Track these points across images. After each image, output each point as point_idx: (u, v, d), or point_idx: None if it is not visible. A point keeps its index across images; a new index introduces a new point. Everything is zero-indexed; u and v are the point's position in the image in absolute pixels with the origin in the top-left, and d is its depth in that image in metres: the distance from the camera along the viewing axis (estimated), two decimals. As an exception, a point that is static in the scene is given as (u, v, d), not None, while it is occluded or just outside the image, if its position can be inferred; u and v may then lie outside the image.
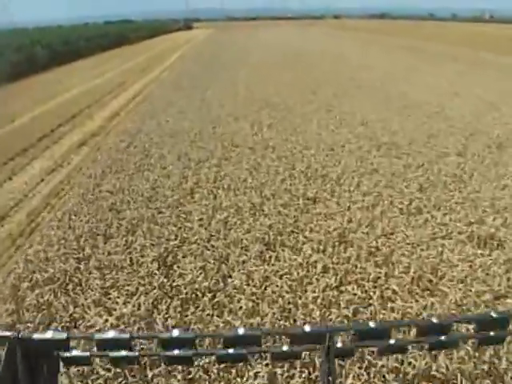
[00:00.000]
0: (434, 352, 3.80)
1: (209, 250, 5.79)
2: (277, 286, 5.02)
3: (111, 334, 1.38)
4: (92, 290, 5.14)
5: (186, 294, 4.98)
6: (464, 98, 14.64)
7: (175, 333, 1.38)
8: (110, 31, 52.02)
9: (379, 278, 5.12)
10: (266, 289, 4.99)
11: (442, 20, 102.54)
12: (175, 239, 6.10)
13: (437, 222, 6.31)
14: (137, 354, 1.36)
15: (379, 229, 6.10)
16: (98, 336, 1.36)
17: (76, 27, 65.88)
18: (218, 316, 4.60)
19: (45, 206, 8.10)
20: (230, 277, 5.26)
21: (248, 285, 5.08)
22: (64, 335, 1.34)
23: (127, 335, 1.36)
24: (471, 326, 1.42)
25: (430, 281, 5.06)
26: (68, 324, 4.65)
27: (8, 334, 1.24)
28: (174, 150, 9.70)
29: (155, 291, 5.03)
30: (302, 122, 11.62)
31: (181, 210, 7.01)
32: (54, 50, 32.90)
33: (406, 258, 5.44)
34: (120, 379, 3.90)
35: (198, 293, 4.99)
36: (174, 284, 5.17)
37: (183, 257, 5.70)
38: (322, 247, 5.76)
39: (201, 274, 5.28)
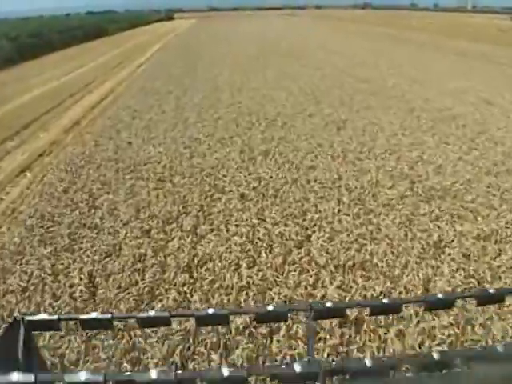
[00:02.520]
0: None
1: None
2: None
3: (93, 314, 1.45)
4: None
5: None
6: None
7: (151, 313, 1.47)
8: (87, 22, 47.92)
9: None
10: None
11: (425, 10, 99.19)
12: None
13: None
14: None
15: None
16: (81, 317, 1.43)
17: (57, 18, 61.63)
18: None
19: None
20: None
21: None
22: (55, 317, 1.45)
23: (108, 315, 1.44)
24: None
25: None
26: None
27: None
28: (129, 205, 6.37)
29: None
30: (308, 149, 8.36)
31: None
32: (22, 44, 29.10)
33: None
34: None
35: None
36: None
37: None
38: None
39: None
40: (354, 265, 4.74)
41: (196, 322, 1.50)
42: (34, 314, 1.35)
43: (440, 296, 1.49)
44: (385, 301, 1.50)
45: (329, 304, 1.49)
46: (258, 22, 60.41)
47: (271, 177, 7.06)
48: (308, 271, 4.66)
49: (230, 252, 5.06)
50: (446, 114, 10.65)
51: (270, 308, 1.46)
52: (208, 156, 8.15)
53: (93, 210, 6.26)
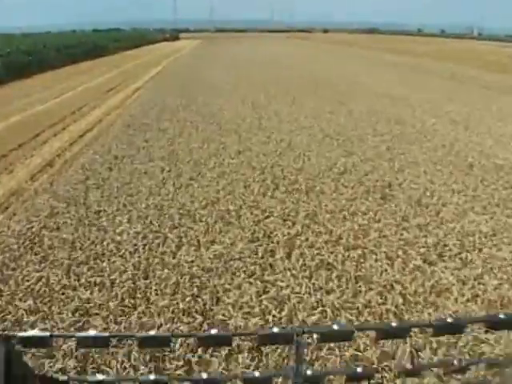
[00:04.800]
0: None
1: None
2: None
3: (92, 333, 1.49)
4: None
5: None
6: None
7: (152, 333, 1.78)
8: (87, 40, 45.58)
9: None
10: None
11: (431, 36, 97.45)
12: None
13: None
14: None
15: None
16: (78, 335, 1.49)
17: (63, 34, 59.27)
18: None
19: None
20: None
21: None
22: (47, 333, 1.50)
23: (106, 334, 1.49)
24: None
25: None
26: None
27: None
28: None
29: None
30: (350, 244, 5.69)
31: None
32: (13, 61, 26.64)
33: None
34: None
35: None
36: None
37: None
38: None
39: None
40: None
41: (198, 343, 1.70)
42: (25, 331, 1.36)
43: (449, 320, 1.51)
44: (393, 324, 1.55)
45: (335, 327, 1.53)
46: (266, 46, 58.21)
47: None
48: None
49: None
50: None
51: (276, 330, 1.52)
52: (203, 248, 5.49)
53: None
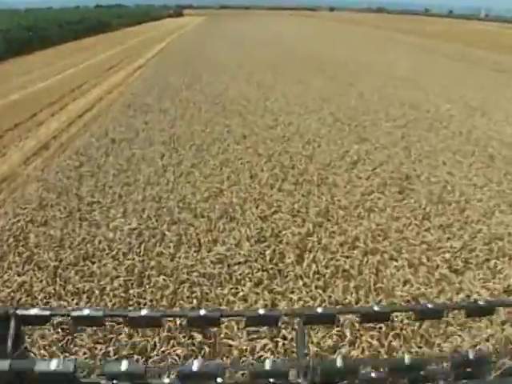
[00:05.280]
0: None
1: None
2: None
3: (85, 311, 1.44)
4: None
5: None
6: None
7: (143, 312, 1.44)
8: (90, 16, 44.42)
9: None
10: None
11: (439, 16, 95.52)
12: None
13: None
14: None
15: None
16: (73, 313, 1.41)
17: (66, 10, 57.82)
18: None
19: None
20: None
21: None
22: (47, 312, 1.43)
23: (100, 313, 1.42)
24: None
25: None
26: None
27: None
28: None
29: None
30: (368, 248, 5.08)
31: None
32: (13, 38, 25.75)
33: None
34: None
35: None
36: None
37: None
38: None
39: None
40: None
41: (187, 323, 1.39)
42: (25, 309, 1.31)
43: (430, 306, 1.47)
44: (375, 308, 1.52)
45: (319, 310, 1.50)
46: (271, 23, 56.97)
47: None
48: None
49: None
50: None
51: (262, 312, 1.46)
52: (204, 249, 4.90)
53: None
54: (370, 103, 11.89)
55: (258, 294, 4.14)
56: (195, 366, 1.29)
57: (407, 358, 1.40)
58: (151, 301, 4.07)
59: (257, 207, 5.85)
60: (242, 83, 14.41)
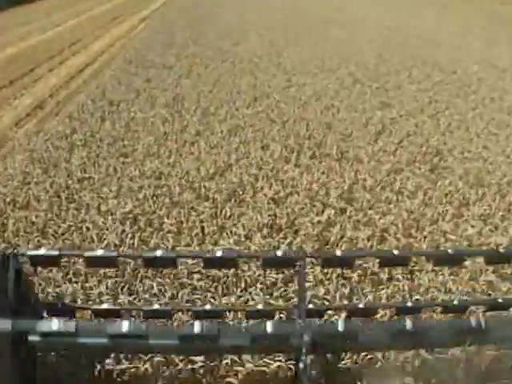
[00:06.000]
0: None
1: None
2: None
3: (99, 251, 1.60)
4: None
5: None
6: None
7: (158, 253, 1.63)
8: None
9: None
10: None
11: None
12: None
13: None
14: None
15: None
16: (87, 254, 1.57)
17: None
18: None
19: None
20: None
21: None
22: (56, 252, 1.62)
23: (114, 253, 1.64)
24: None
25: None
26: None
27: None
28: None
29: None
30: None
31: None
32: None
33: None
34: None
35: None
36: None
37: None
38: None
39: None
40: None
41: (204, 264, 1.59)
42: (33, 249, 1.35)
43: (450, 251, 1.69)
44: (395, 252, 1.71)
45: (338, 252, 1.69)
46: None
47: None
48: None
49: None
50: None
51: (279, 253, 1.63)
52: (209, 241, 4.15)
53: None
54: (390, 63, 10.85)
55: (270, 304, 3.40)
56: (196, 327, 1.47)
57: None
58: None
59: (270, 187, 5.04)
60: (254, 39, 13.31)
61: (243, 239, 4.15)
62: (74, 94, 9.40)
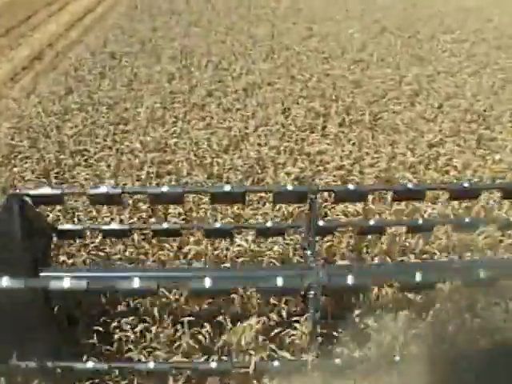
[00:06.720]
0: None
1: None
2: None
3: (103, 188, 1.55)
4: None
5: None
6: None
7: (164, 188, 1.59)
8: None
9: None
10: None
11: None
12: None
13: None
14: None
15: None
16: (91, 191, 1.53)
17: None
18: None
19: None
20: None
21: None
22: (59, 191, 1.57)
23: (118, 190, 1.56)
24: None
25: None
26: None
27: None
28: None
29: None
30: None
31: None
32: None
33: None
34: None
35: None
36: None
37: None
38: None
39: None
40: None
41: (210, 200, 1.56)
42: (36, 188, 1.31)
43: (466, 185, 1.69)
44: (409, 186, 1.73)
45: (351, 186, 1.68)
46: None
47: None
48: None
49: None
50: None
51: (290, 188, 1.62)
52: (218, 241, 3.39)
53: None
54: (420, 9, 9.71)
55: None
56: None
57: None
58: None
59: (294, 164, 4.24)
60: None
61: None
62: (74, 44, 8.51)
